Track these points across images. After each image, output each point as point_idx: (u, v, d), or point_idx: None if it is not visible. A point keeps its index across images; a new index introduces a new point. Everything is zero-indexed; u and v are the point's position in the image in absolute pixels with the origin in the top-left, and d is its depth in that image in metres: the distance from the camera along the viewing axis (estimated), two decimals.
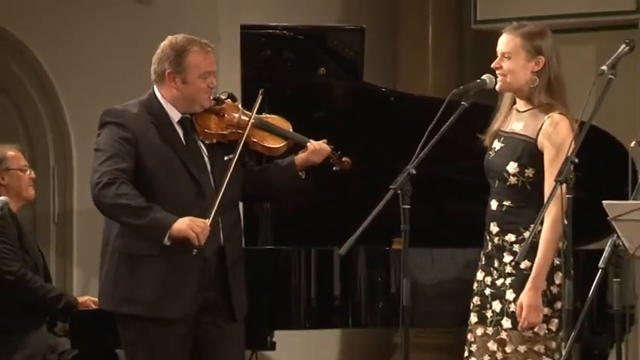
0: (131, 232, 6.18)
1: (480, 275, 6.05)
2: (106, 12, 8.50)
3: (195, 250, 6.02)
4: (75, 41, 8.55)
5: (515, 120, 6.02)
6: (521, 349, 5.89)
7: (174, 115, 6.28)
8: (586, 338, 5.96)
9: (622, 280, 5.85)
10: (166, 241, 6.02)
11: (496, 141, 6.03)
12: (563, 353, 5.63)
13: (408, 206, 5.68)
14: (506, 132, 6.03)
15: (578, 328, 5.59)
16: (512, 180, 5.95)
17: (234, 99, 6.46)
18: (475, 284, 6.06)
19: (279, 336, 7.31)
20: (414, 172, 5.68)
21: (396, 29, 8.96)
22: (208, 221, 6.05)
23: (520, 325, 5.80)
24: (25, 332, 7.18)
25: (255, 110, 6.35)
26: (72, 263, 8.54)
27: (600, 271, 5.70)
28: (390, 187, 5.66)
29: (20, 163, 7.40)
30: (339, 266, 6.90)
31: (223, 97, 6.38)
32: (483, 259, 6.07)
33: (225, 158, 6.26)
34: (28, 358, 7.16)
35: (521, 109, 6.03)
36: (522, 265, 5.87)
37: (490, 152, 6.04)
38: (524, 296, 5.81)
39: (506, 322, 5.91)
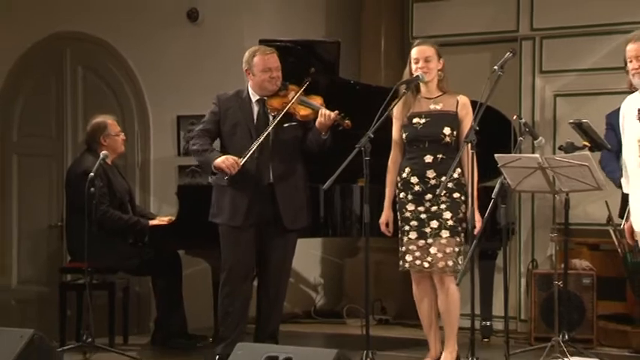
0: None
1: (411, 207, 6.05)
2: (171, 30, 8.51)
3: (226, 177, 6.21)
4: (151, 49, 8.57)
5: (431, 103, 6.10)
6: (456, 249, 5.96)
7: (254, 98, 6.42)
8: (483, 244, 6.02)
9: (507, 205, 5.92)
10: (214, 170, 6.27)
11: (417, 118, 6.07)
12: (469, 253, 5.74)
13: (368, 158, 5.78)
14: (426, 111, 6.07)
15: (478, 237, 5.69)
16: (447, 139, 6.02)
17: (286, 87, 6.45)
18: (408, 213, 6.06)
19: None
20: (372, 135, 5.79)
21: (360, 41, 8.91)
22: (240, 160, 6.20)
23: (477, 230, 5.82)
24: (119, 244, 7.20)
25: (299, 93, 6.40)
26: (150, 194, 8.56)
27: (492, 200, 5.80)
28: (356, 145, 5.76)
29: (116, 130, 7.40)
30: (324, 196, 6.91)
31: (286, 84, 6.43)
32: (410, 197, 6.05)
33: (285, 125, 6.35)
34: (122, 259, 7.21)
35: (433, 96, 6.11)
36: (455, 195, 5.97)
37: (415, 126, 6.07)
38: (478, 216, 5.84)
39: (446, 233, 5.97)
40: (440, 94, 6.12)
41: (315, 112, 6.36)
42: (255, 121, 6.38)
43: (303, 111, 6.39)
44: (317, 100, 6.43)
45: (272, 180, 6.33)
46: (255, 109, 6.41)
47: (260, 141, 6.24)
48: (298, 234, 6.59)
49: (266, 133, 6.26)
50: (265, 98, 6.39)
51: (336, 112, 6.32)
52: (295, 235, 6.52)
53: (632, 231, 5.67)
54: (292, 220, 6.40)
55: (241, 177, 6.25)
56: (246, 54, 6.44)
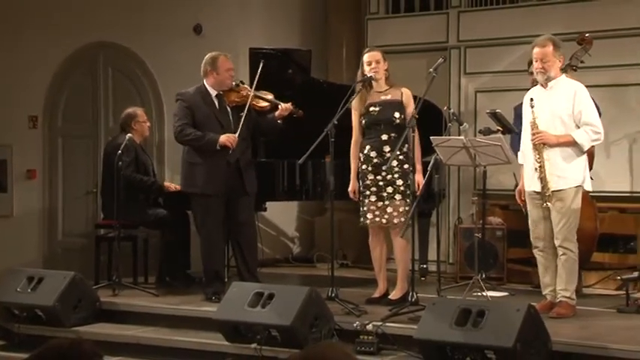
0: (194, 149, 6.20)
1: (371, 176, 6.00)
2: (180, 41, 8.42)
3: (230, 151, 6.08)
4: (166, 56, 8.49)
5: (381, 95, 6.06)
6: (406, 208, 5.89)
7: (213, 93, 6.28)
8: (421, 204, 5.98)
9: (439, 176, 5.90)
10: (218, 147, 6.09)
11: (373, 107, 6.03)
12: (409, 213, 5.71)
13: (333, 139, 5.73)
14: (379, 101, 6.03)
15: (418, 199, 5.66)
16: (397, 121, 5.97)
17: (243, 83, 6.40)
18: (369, 181, 6.01)
19: (270, 205, 7.34)
20: (336, 122, 5.74)
21: (326, 50, 8.86)
22: (235, 135, 6.10)
23: (419, 189, 5.80)
24: (142, 202, 7.13)
25: (254, 86, 6.31)
26: (164, 166, 8.47)
27: (428, 171, 5.76)
28: (324, 129, 5.70)
29: (144, 118, 7.30)
30: (299, 169, 6.83)
31: (239, 82, 6.35)
32: (370, 168, 6.00)
33: (240, 114, 6.24)
34: (144, 215, 7.10)
35: (382, 89, 6.07)
36: (405, 166, 5.92)
37: (372, 113, 6.03)
38: (419, 178, 5.84)
39: (399, 196, 5.93)
40: (387, 87, 6.07)
41: (272, 104, 6.30)
42: (219, 112, 6.26)
43: (261, 103, 6.33)
44: (269, 95, 6.37)
45: (238, 157, 6.22)
46: (216, 102, 6.28)
47: (241, 125, 6.15)
48: (280, 199, 6.52)
49: (243, 119, 6.15)
50: (221, 93, 6.27)
51: (290, 103, 6.24)
52: (253, 200, 6.44)
53: (520, 192, 5.82)
54: (251, 186, 6.33)
55: (215, 155, 6.14)
56: (208, 58, 6.28)
